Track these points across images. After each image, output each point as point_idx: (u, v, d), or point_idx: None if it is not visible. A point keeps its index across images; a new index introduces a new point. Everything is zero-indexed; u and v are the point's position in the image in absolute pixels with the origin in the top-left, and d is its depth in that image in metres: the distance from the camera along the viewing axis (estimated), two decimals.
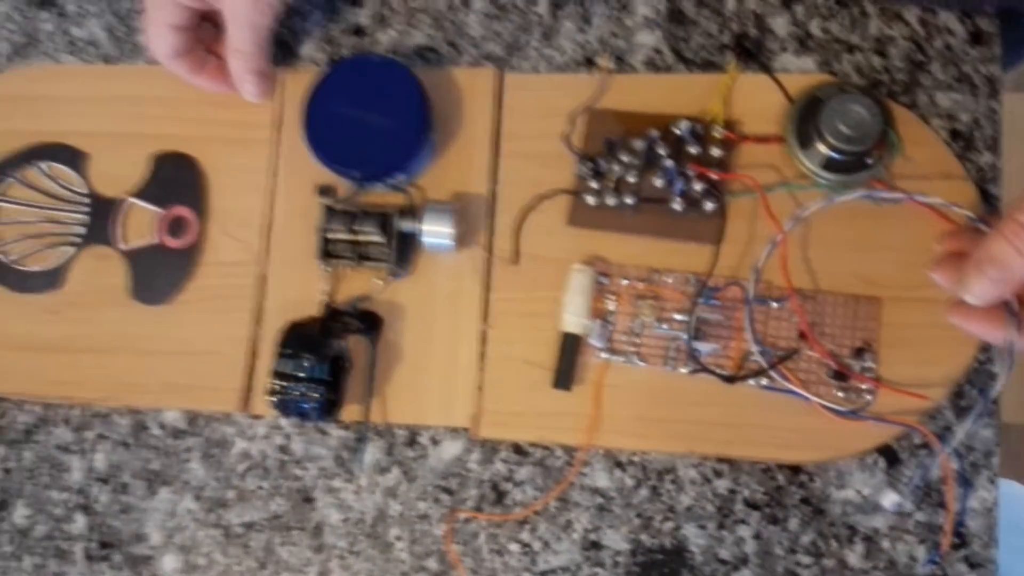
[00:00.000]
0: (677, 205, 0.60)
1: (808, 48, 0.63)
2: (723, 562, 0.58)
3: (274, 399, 0.58)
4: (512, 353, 0.61)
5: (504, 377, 0.61)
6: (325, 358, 0.59)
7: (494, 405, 0.61)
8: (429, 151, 0.63)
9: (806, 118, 0.59)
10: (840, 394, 0.57)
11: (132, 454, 0.64)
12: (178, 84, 0.66)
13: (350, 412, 0.61)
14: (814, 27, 0.63)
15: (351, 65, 0.63)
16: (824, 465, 0.58)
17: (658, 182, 0.60)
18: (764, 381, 0.58)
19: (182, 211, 0.66)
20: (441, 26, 0.67)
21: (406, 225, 0.61)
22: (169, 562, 0.62)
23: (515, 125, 0.64)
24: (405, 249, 0.62)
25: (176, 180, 0.66)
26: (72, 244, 0.66)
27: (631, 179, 0.60)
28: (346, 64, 0.63)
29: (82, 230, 0.66)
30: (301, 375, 0.58)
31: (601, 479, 0.60)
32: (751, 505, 0.58)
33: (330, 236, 0.62)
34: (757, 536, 0.58)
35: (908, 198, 0.57)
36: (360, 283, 0.63)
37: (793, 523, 0.58)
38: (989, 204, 0.59)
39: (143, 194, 0.66)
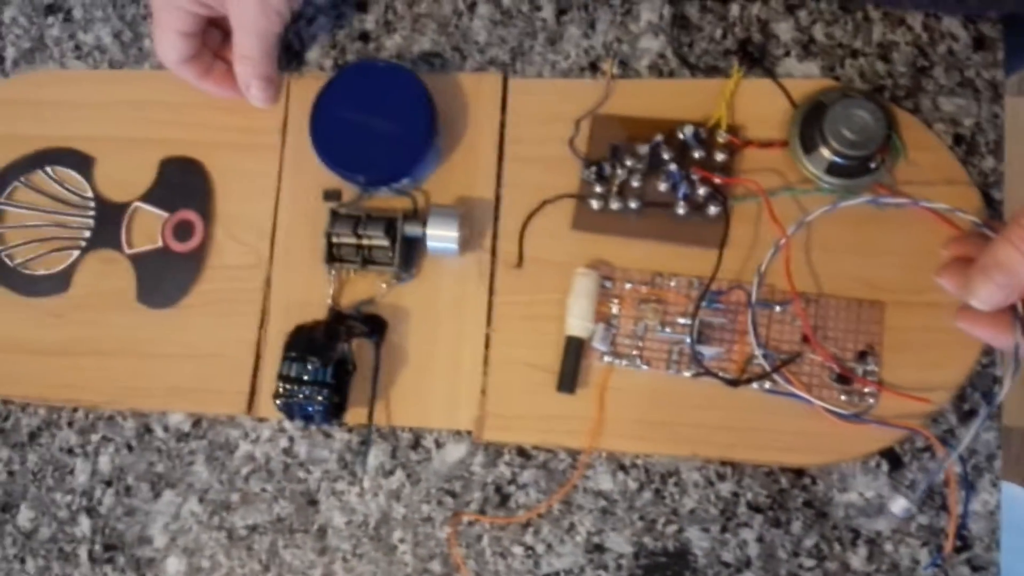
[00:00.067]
0: (681, 209, 0.60)
1: (812, 53, 0.63)
2: (726, 565, 0.58)
3: (279, 402, 0.59)
4: (516, 356, 0.61)
5: (508, 380, 0.61)
6: (330, 361, 0.59)
7: (498, 408, 0.61)
8: (434, 156, 0.63)
9: (810, 123, 0.59)
10: (843, 397, 0.57)
11: (137, 457, 0.64)
12: (184, 89, 0.67)
13: (354, 415, 0.61)
14: (818, 32, 0.64)
15: (357, 70, 0.63)
16: (827, 468, 0.58)
17: (662, 186, 0.60)
18: (767, 384, 0.58)
19: (188, 215, 0.66)
20: (446, 32, 0.67)
21: (411, 229, 0.61)
22: (173, 565, 0.62)
23: (520, 130, 0.64)
24: (410, 253, 0.62)
25: (182, 184, 0.67)
26: (78, 248, 0.67)
27: (635, 183, 0.61)
28: (352, 69, 0.63)
29: (88, 234, 0.67)
30: (306, 378, 0.58)
31: (604, 482, 0.60)
32: (754, 508, 0.58)
33: (335, 240, 0.62)
34: (760, 539, 0.58)
35: (913, 203, 0.57)
36: (365, 287, 0.63)
37: (796, 526, 0.58)
38: (992, 208, 0.60)
39: (149, 198, 0.67)
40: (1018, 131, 0.72)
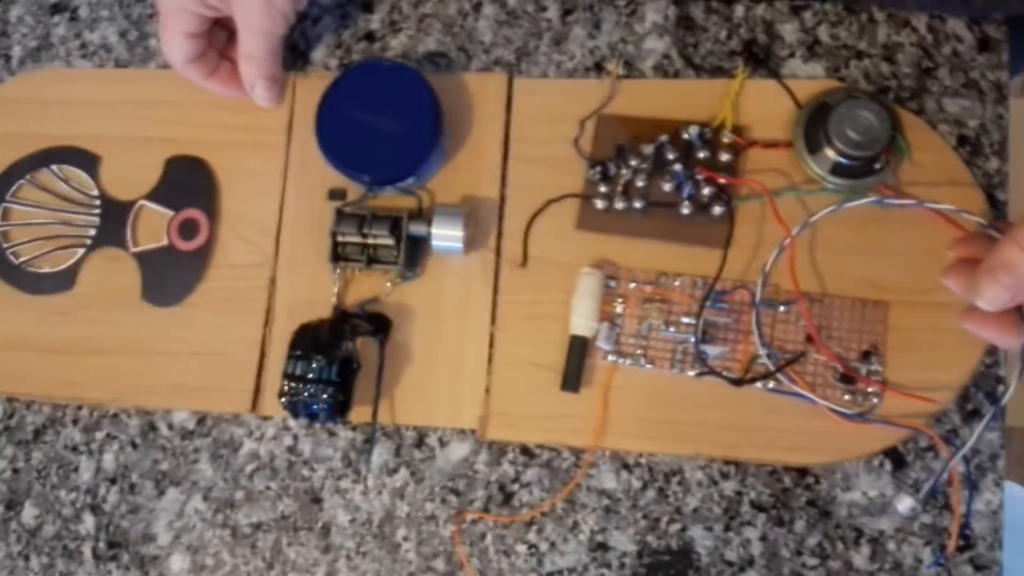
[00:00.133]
0: (686, 209, 0.60)
1: (817, 54, 0.64)
2: (729, 563, 0.58)
3: (284, 400, 0.59)
4: (520, 355, 0.61)
5: (512, 379, 0.61)
6: (335, 360, 0.59)
7: (502, 407, 0.61)
8: (439, 155, 0.63)
9: (815, 123, 0.59)
10: (847, 397, 0.58)
11: (141, 454, 0.64)
12: (190, 88, 0.67)
13: (358, 413, 0.61)
14: (823, 33, 0.64)
15: (363, 70, 0.63)
16: (830, 467, 0.58)
17: (667, 186, 0.61)
18: (771, 384, 0.58)
19: (193, 214, 0.66)
20: (451, 32, 0.67)
21: (416, 228, 0.61)
22: (177, 562, 0.62)
23: (525, 130, 0.65)
24: (415, 252, 0.62)
25: (187, 183, 0.67)
26: (83, 246, 0.67)
27: (640, 183, 0.61)
28: (358, 69, 0.63)
29: (93, 232, 0.67)
30: (311, 376, 0.58)
31: (608, 481, 0.60)
32: (758, 507, 0.59)
33: (340, 239, 0.62)
34: (763, 538, 0.58)
35: (918, 204, 0.57)
36: (370, 285, 0.63)
37: (799, 525, 0.58)
38: (996, 209, 0.60)
39: (154, 197, 0.67)
40: (1022, 132, 0.72)
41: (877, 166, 0.59)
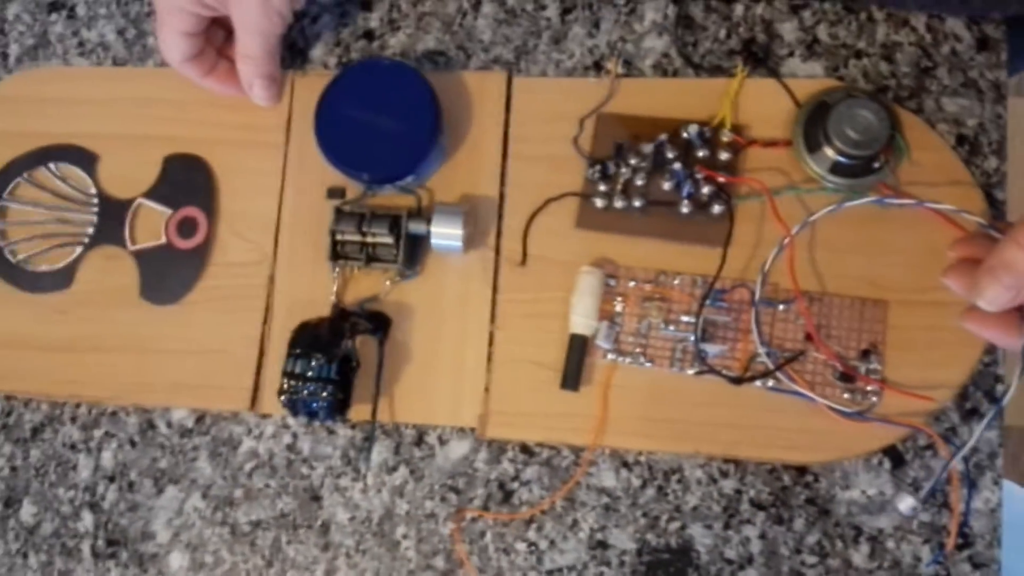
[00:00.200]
0: (685, 208, 0.60)
1: (816, 53, 0.64)
2: (729, 562, 0.58)
3: (284, 398, 0.59)
4: (520, 354, 0.61)
5: (511, 377, 0.61)
6: (334, 358, 0.59)
7: (501, 405, 0.61)
8: (438, 154, 0.63)
9: (814, 122, 0.60)
10: (846, 395, 0.58)
11: (140, 452, 0.64)
12: (188, 86, 0.67)
13: (358, 412, 0.61)
14: (822, 32, 0.64)
15: (362, 68, 0.63)
16: (830, 466, 0.59)
17: (666, 185, 0.61)
18: (770, 382, 0.58)
19: (191, 212, 0.66)
20: (450, 30, 0.67)
21: (415, 227, 0.61)
22: (176, 560, 0.62)
23: (524, 128, 0.65)
24: (414, 250, 0.62)
25: (186, 181, 0.67)
26: (81, 244, 0.67)
27: (639, 182, 0.61)
28: (357, 67, 0.63)
29: (91, 230, 0.67)
30: (310, 375, 0.59)
31: (608, 479, 0.60)
32: (757, 505, 0.59)
33: (340, 237, 0.62)
34: (763, 536, 0.58)
35: (918, 204, 0.58)
36: (369, 284, 0.63)
37: (799, 523, 0.58)
38: (994, 209, 0.60)
39: (152, 195, 0.67)
40: (1021, 132, 0.73)
41: (876, 165, 0.59)
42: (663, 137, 0.61)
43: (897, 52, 0.63)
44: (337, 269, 0.63)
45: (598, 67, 0.65)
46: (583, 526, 0.60)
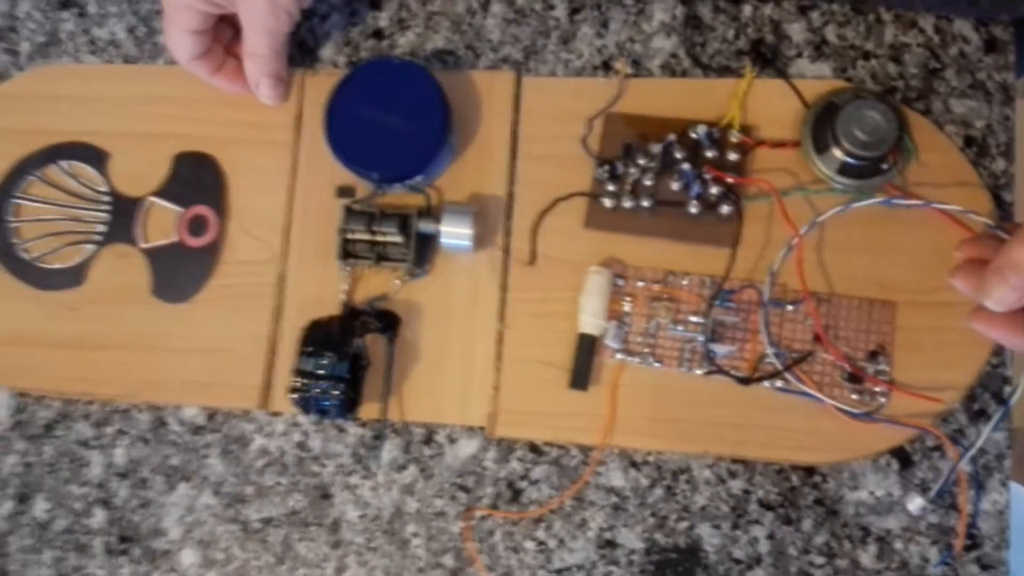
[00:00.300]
0: (694, 208, 0.60)
1: (824, 54, 0.64)
2: (737, 562, 0.59)
3: (296, 396, 0.59)
4: (528, 353, 0.62)
5: (520, 377, 0.62)
6: (345, 356, 0.59)
7: (510, 404, 0.61)
8: (448, 153, 0.64)
9: (822, 123, 0.60)
10: (854, 396, 0.58)
11: (152, 450, 0.64)
12: (198, 85, 0.67)
13: (368, 410, 0.62)
14: (830, 33, 0.64)
15: (372, 67, 0.63)
16: (838, 466, 0.59)
17: (675, 185, 0.61)
18: (779, 383, 0.58)
19: (202, 210, 0.66)
20: (460, 30, 0.68)
21: (425, 226, 0.62)
22: (187, 557, 0.63)
23: (533, 128, 0.65)
24: (424, 249, 0.63)
25: (196, 180, 0.67)
26: (93, 242, 0.67)
27: (648, 182, 0.61)
28: (367, 66, 0.63)
29: (103, 228, 0.67)
30: (322, 373, 0.59)
31: (616, 478, 0.60)
32: (765, 505, 0.59)
33: (350, 236, 0.62)
34: (771, 536, 0.59)
35: (925, 205, 0.58)
36: (378, 283, 0.64)
37: (807, 523, 0.59)
38: (1002, 210, 0.60)
39: (164, 193, 0.67)
40: None
41: (884, 166, 0.59)
42: (672, 137, 0.61)
43: (905, 53, 0.63)
44: (347, 268, 0.63)
45: (607, 67, 0.66)
46: (592, 525, 0.60)
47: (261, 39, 0.64)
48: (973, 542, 0.57)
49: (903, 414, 0.57)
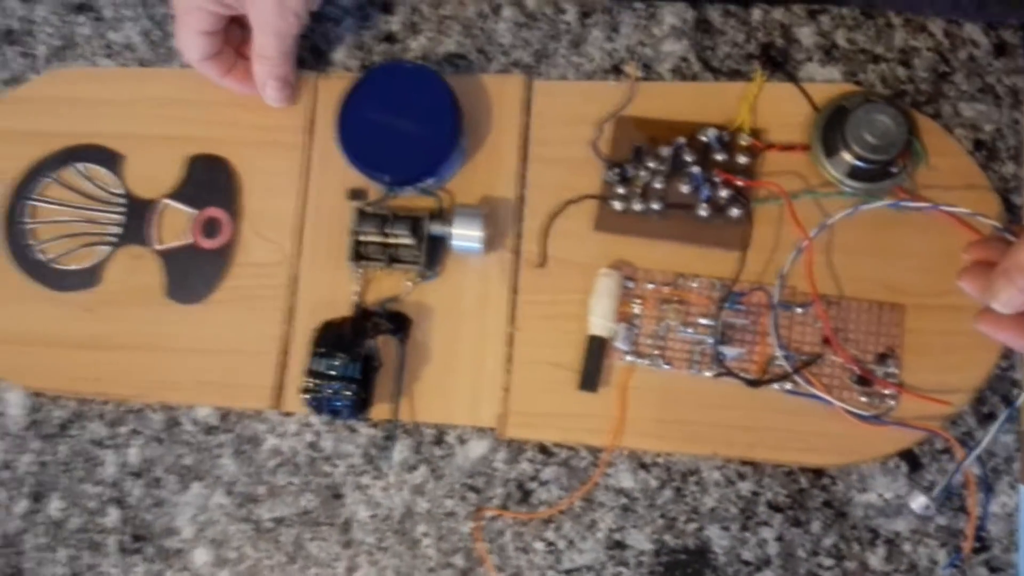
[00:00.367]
0: (703, 211, 0.61)
1: (834, 58, 0.64)
2: (746, 563, 0.59)
3: (308, 397, 0.60)
4: (538, 355, 0.62)
5: (530, 378, 0.62)
6: (357, 357, 0.60)
7: (520, 406, 0.62)
8: (459, 156, 0.64)
9: (832, 127, 0.60)
10: (863, 399, 0.58)
11: (165, 449, 0.65)
12: (212, 87, 0.68)
13: (379, 411, 0.62)
14: (840, 37, 0.64)
15: (384, 71, 0.64)
16: (846, 469, 0.59)
17: (685, 188, 0.61)
18: (788, 385, 0.59)
19: (216, 212, 0.67)
20: (471, 34, 0.68)
21: (436, 228, 0.62)
22: (200, 555, 0.63)
23: (543, 131, 0.65)
24: (435, 252, 0.63)
25: (210, 182, 0.68)
26: (108, 244, 0.68)
27: (658, 185, 0.61)
28: (379, 70, 0.64)
29: (118, 230, 0.68)
30: (334, 373, 0.59)
31: (625, 480, 0.61)
32: (774, 507, 0.59)
33: (362, 238, 0.63)
34: (780, 538, 0.59)
35: (934, 208, 0.58)
36: (390, 284, 0.64)
37: (815, 526, 0.59)
38: (1011, 213, 0.60)
39: (177, 195, 0.68)
40: None
41: (894, 170, 0.59)
42: (681, 140, 0.62)
43: (915, 57, 0.63)
44: (359, 270, 0.64)
45: (617, 71, 0.66)
46: (601, 526, 0.60)
47: (270, 41, 0.64)
48: (982, 544, 0.57)
49: (912, 417, 0.57)
